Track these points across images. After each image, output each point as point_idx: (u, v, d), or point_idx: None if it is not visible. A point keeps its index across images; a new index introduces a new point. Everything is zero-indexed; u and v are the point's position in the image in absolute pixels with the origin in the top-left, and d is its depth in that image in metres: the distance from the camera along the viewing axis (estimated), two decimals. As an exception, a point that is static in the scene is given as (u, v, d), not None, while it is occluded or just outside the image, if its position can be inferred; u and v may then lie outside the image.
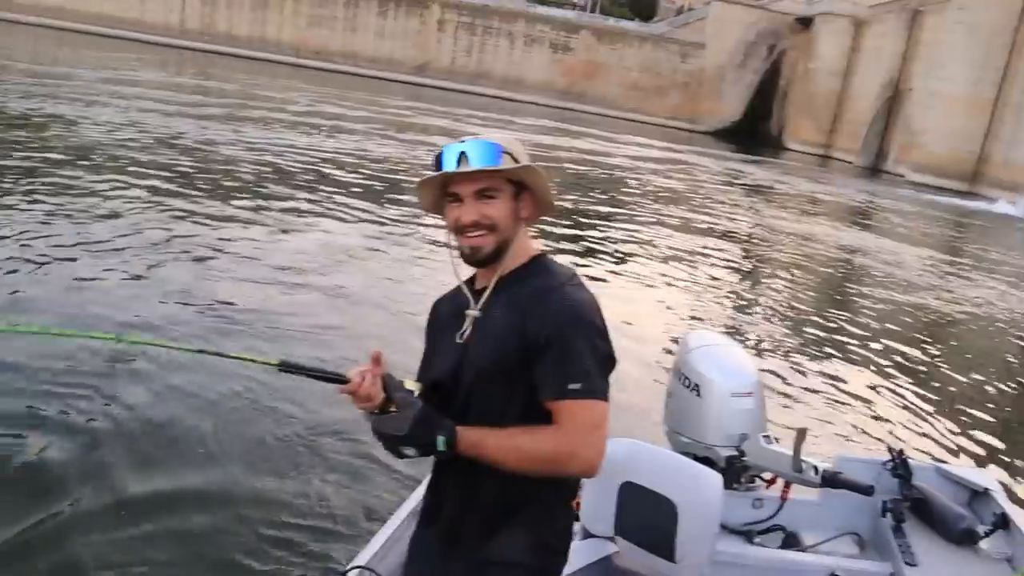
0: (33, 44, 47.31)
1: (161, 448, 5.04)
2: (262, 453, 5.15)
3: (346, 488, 4.83)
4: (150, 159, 15.19)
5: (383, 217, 13.39)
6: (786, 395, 7.56)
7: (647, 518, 2.65)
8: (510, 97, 70.19)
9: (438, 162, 1.87)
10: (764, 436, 3.27)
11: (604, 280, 11.32)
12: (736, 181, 32.74)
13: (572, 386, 1.75)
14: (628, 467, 2.70)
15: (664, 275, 12.57)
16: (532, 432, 1.77)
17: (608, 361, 1.84)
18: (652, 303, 10.82)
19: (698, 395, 3.29)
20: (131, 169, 13.84)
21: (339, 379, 1.81)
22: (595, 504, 2.80)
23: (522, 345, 1.80)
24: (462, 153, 1.84)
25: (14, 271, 7.75)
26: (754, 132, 71.23)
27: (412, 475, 4.55)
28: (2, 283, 7.41)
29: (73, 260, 8.45)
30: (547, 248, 2.05)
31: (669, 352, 7.71)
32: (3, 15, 65.87)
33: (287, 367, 1.81)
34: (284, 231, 11.26)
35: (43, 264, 8.09)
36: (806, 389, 7.94)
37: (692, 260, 14.16)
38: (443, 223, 1.97)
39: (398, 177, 18.34)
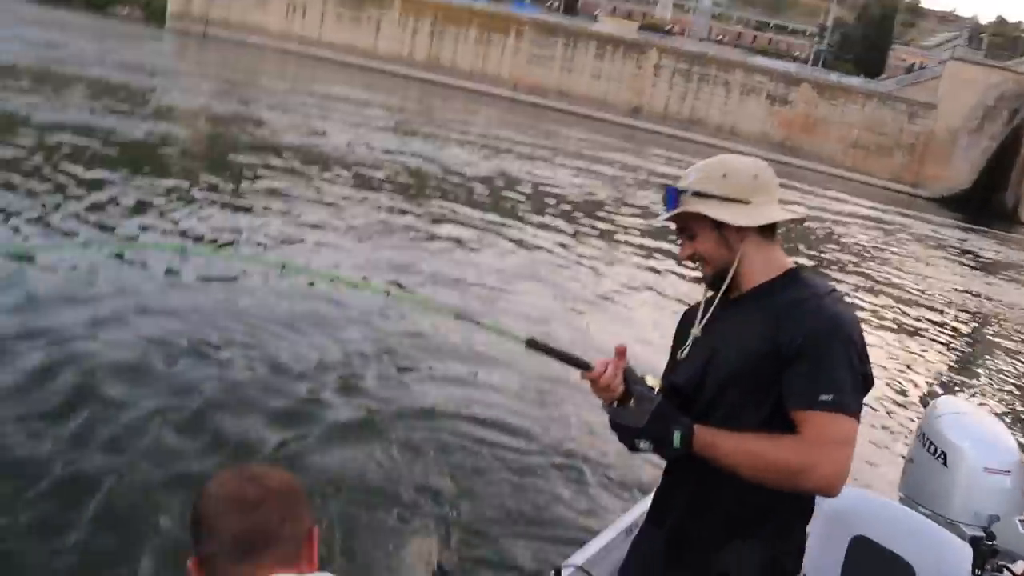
0: (280, 64, 51.82)
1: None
2: (484, 442, 5.21)
3: (573, 489, 4.81)
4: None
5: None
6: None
7: None
8: (723, 146, 68.83)
9: None
10: (1021, 520, 2.91)
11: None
12: (968, 253, 30.24)
13: (823, 397, 1.70)
14: (861, 520, 2.51)
15: (904, 336, 11.69)
16: (772, 438, 1.73)
17: (864, 379, 1.78)
18: (890, 360, 10.07)
19: (944, 464, 3.02)
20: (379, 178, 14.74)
21: (583, 365, 1.85)
22: (820, 554, 2.58)
23: (773, 352, 1.77)
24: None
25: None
26: (986, 203, 65.57)
27: (647, 483, 4.44)
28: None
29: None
30: None
31: (907, 412, 7.26)
32: (256, 40, 73.27)
33: (534, 345, 1.85)
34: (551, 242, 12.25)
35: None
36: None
37: (931, 327, 13.18)
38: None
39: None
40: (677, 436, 1.73)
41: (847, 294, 14.42)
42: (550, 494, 4.70)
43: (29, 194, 9.37)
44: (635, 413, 1.74)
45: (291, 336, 6.26)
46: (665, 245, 14.21)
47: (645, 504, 2.44)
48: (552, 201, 17.71)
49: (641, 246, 14.41)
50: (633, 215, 18.29)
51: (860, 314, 11.91)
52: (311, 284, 7.14)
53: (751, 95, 74.50)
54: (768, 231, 1.95)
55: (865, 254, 21.63)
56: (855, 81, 75.12)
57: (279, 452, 4.60)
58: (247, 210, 10.65)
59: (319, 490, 4.21)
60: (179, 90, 24.49)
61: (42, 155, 11.40)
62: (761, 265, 1.92)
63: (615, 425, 1.79)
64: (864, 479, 5.67)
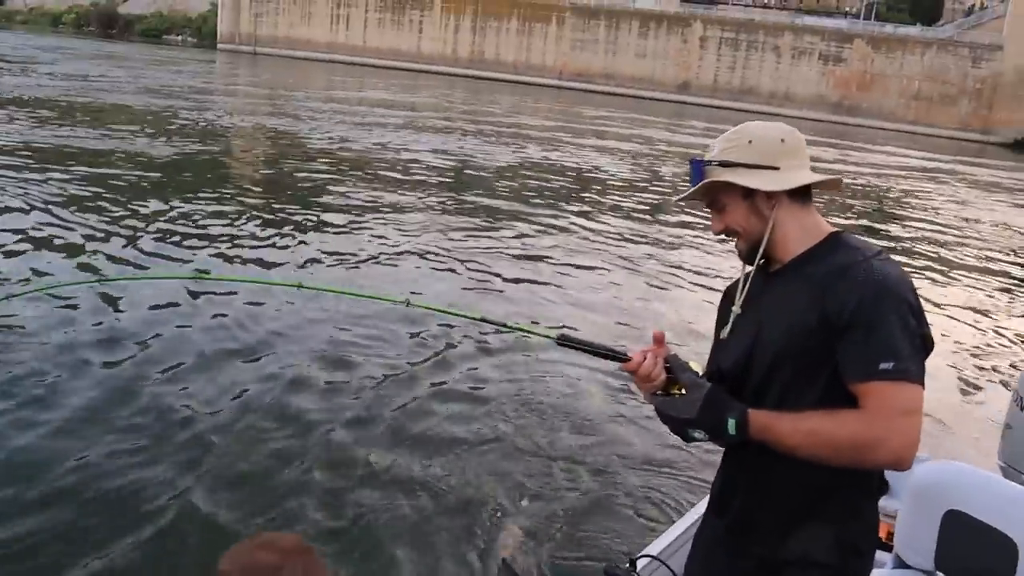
0: (327, 74, 52.58)
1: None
2: (551, 436, 5.25)
3: (647, 478, 4.79)
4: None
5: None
6: None
7: (977, 556, 2.32)
8: (778, 113, 67.35)
9: None
10: None
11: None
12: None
13: (883, 365, 1.60)
14: (955, 494, 2.37)
15: (985, 299, 11.18)
16: (833, 415, 1.63)
17: (923, 341, 1.66)
18: (973, 322, 9.58)
19: None
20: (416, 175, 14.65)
21: (619, 356, 1.79)
22: (912, 531, 2.48)
23: (823, 323, 1.67)
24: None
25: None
26: (1062, 143, 62.91)
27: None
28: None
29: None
30: None
31: (998, 374, 6.90)
32: (303, 53, 74.63)
33: (566, 341, 1.80)
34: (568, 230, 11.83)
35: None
36: None
37: (1015, 281, 12.51)
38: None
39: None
40: (732, 423, 1.66)
41: (919, 253, 13.83)
42: (622, 489, 4.68)
43: (112, 222, 9.57)
44: (685, 402, 1.67)
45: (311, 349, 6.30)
46: (697, 220, 13.87)
47: None
48: (580, 186, 17.56)
49: (677, 224, 14.05)
50: (666, 193, 17.87)
51: (932, 274, 11.51)
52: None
53: (803, 57, 72.71)
54: (802, 196, 1.85)
55: (931, 209, 20.79)
56: (912, 30, 72.60)
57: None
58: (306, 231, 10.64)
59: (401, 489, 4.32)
60: (225, 110, 24.88)
61: (105, 185, 11.61)
62: (798, 233, 1.82)
63: (665, 417, 1.72)
64: (958, 450, 5.41)
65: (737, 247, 1.89)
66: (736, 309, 1.88)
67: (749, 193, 1.82)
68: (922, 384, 1.63)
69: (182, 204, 10.90)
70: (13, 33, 67.80)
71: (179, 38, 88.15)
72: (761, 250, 1.83)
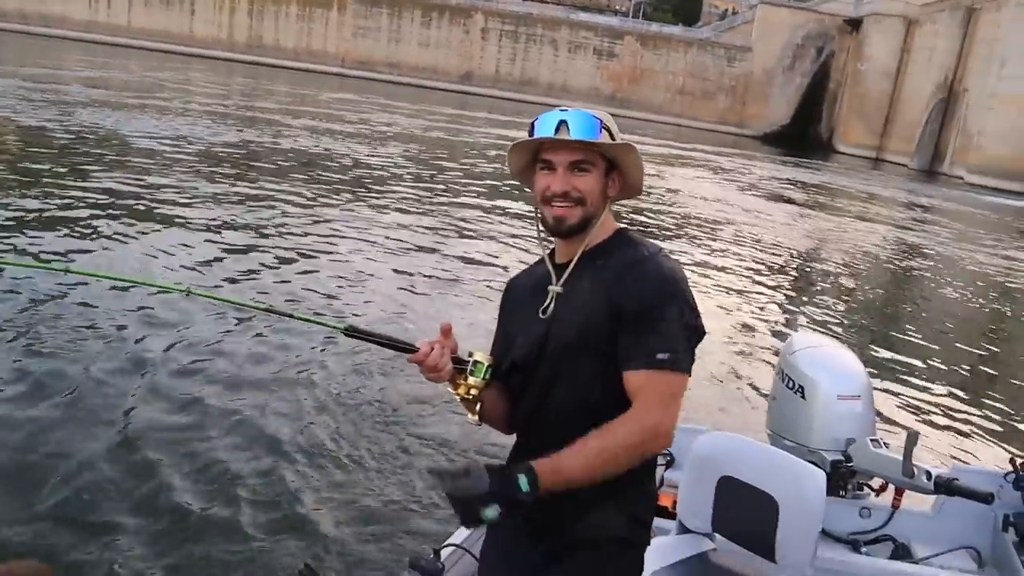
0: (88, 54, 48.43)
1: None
2: (351, 427, 5.16)
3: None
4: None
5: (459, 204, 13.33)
6: (893, 400, 7.11)
7: (746, 515, 2.52)
8: (555, 104, 68.95)
9: (532, 129, 1.83)
10: (872, 440, 3.07)
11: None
12: (789, 186, 32.02)
13: (660, 356, 1.70)
14: (726, 461, 2.58)
15: (745, 282, 12.16)
16: (609, 428, 1.67)
17: (696, 332, 1.77)
18: (741, 306, 10.45)
19: (802, 397, 3.18)
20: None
21: (407, 347, 1.79)
22: (692, 498, 2.69)
23: (611, 316, 1.74)
24: (562, 122, 1.80)
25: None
26: (803, 136, 69.99)
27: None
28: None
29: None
30: None
31: (773, 355, 7.50)
32: (58, 32, 68.25)
33: (353, 332, 1.79)
34: (354, 222, 11.49)
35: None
36: (914, 393, 7.47)
37: (773, 267, 13.77)
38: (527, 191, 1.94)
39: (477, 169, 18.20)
40: (523, 479, 1.59)
41: (693, 239, 14.89)
42: (421, 481, 4.64)
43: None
44: (473, 479, 1.56)
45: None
46: (480, 214, 14.07)
47: None
48: (356, 175, 17.28)
49: (459, 216, 14.07)
50: (436, 185, 18.05)
51: (707, 262, 12.34)
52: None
53: (578, 51, 75.95)
54: None
55: (697, 199, 22.41)
56: (675, 30, 77.87)
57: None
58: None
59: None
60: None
61: None
62: (606, 223, 1.89)
63: (457, 502, 1.58)
64: (739, 421, 5.89)
65: (560, 216, 1.83)
66: (556, 288, 1.86)
67: (611, 171, 1.87)
68: (689, 373, 1.75)
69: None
70: None
71: None
72: (590, 231, 1.85)
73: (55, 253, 8.10)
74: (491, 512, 1.56)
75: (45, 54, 44.50)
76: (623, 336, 1.74)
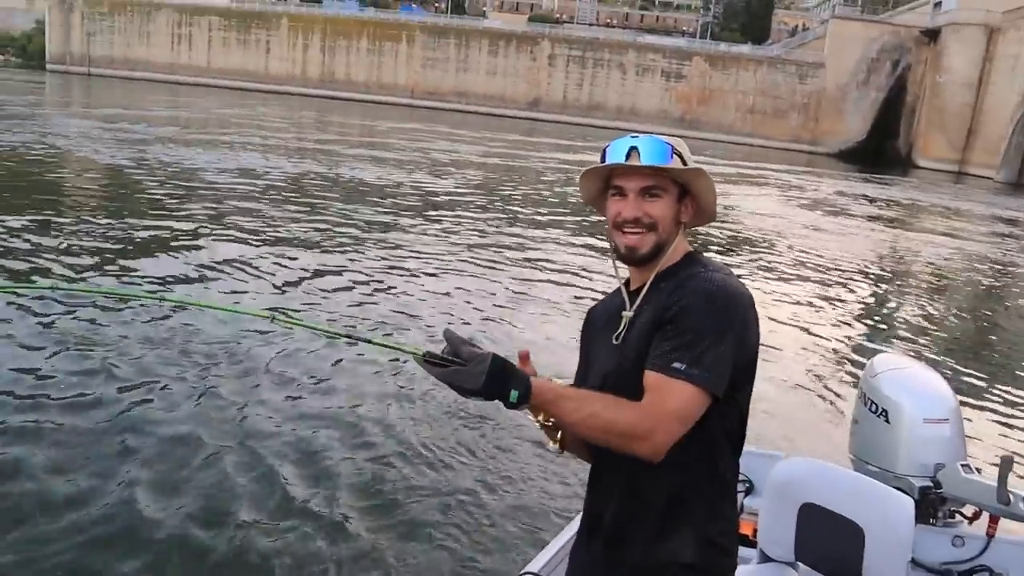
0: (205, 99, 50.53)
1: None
2: (430, 452, 5.19)
3: (525, 494, 4.80)
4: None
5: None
6: (985, 421, 6.78)
7: (830, 543, 2.44)
8: (624, 128, 69.76)
9: (604, 155, 1.84)
10: (963, 465, 2.94)
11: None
12: (865, 201, 31.18)
13: (676, 364, 1.66)
14: (808, 487, 2.51)
15: (823, 301, 11.84)
16: (616, 403, 1.67)
17: (731, 352, 1.70)
18: (819, 326, 10.15)
19: (887, 421, 3.05)
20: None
21: None
22: (773, 526, 2.62)
23: (655, 329, 1.74)
24: (633, 148, 1.81)
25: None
26: (881, 151, 68.14)
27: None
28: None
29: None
30: None
31: (852, 376, 7.33)
32: (142, 74, 71.54)
33: (432, 359, 1.71)
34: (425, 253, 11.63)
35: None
36: (1006, 416, 7.12)
37: (851, 285, 13.39)
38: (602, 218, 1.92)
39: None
40: (514, 394, 1.61)
41: (768, 266, 14.55)
42: (498, 504, 4.68)
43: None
44: (470, 375, 1.60)
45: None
46: (550, 239, 14.00)
47: None
48: (430, 201, 17.52)
49: (534, 240, 14.17)
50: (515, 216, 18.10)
51: (782, 287, 12.04)
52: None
53: (646, 74, 75.81)
54: None
55: (773, 220, 21.98)
56: (744, 49, 77.16)
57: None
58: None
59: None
60: (62, 134, 23.37)
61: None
62: (675, 249, 1.88)
63: (450, 385, 1.63)
64: (818, 446, 5.70)
65: (632, 245, 1.84)
66: (628, 313, 1.86)
67: (683, 197, 1.86)
68: (708, 396, 1.67)
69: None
70: None
71: (1, 58, 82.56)
72: (662, 257, 1.84)
73: (150, 281, 8.52)
74: (478, 401, 1.66)
75: (129, 95, 46.63)
76: (655, 337, 1.73)
